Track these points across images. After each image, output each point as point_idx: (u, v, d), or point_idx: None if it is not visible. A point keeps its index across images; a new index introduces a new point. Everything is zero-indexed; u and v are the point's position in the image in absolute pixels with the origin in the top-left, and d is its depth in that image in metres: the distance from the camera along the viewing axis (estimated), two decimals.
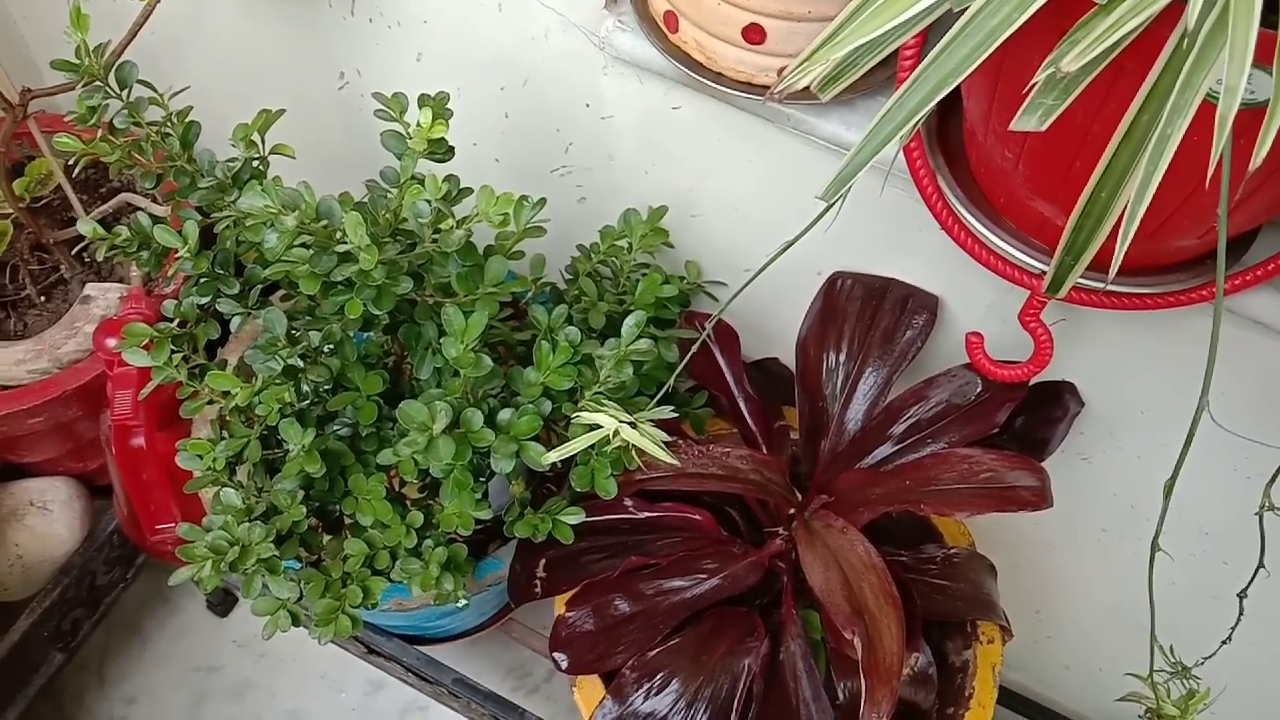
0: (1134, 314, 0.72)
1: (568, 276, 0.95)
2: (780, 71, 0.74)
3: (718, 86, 0.75)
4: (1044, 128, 0.48)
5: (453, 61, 0.94)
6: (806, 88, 0.54)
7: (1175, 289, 0.68)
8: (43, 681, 1.20)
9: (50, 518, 1.18)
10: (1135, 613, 1.07)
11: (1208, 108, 0.44)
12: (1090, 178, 0.53)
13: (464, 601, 0.85)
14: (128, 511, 1.09)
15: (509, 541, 0.90)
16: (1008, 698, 1.21)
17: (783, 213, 0.87)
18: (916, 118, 0.49)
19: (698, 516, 0.87)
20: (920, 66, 0.49)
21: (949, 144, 0.73)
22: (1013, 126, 0.48)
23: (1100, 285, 0.66)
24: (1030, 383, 0.82)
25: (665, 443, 0.70)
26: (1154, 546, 0.60)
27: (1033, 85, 0.47)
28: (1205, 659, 0.78)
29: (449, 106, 0.77)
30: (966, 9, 0.48)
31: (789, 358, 1.00)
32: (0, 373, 1.05)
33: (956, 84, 0.48)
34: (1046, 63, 0.45)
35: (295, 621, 0.80)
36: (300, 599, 0.80)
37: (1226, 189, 0.48)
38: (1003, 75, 0.59)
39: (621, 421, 0.68)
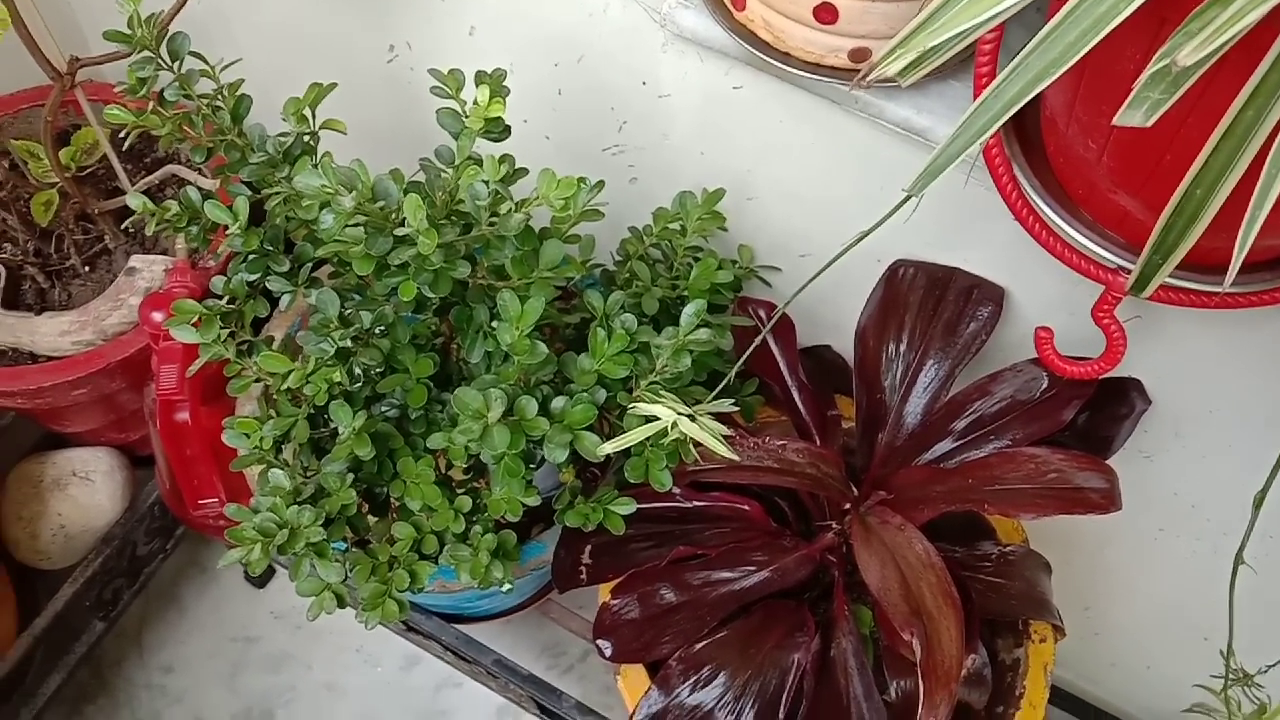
0: (1210, 312, 0.69)
1: (618, 258, 0.93)
2: (850, 53, 0.71)
3: (784, 67, 0.73)
4: (1150, 123, 0.45)
5: (506, 36, 0.92)
6: None
7: (1261, 288, 0.65)
8: (84, 649, 1.21)
9: (92, 488, 1.19)
10: (1188, 614, 1.05)
11: None
12: (1184, 173, 0.50)
13: (509, 586, 0.84)
14: (170, 485, 1.08)
15: (552, 525, 0.89)
16: (1051, 693, 1.19)
17: (845, 198, 0.85)
18: (1013, 110, 0.47)
19: (747, 507, 0.85)
20: (1020, 55, 0.46)
21: (1024, 131, 0.70)
22: (1116, 121, 0.46)
23: (1187, 285, 0.63)
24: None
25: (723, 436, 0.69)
26: (1238, 559, 0.57)
27: (1140, 79, 0.45)
28: (1269, 667, 0.76)
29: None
30: None
31: (841, 345, 0.98)
32: (45, 343, 1.05)
33: (1059, 74, 0.46)
34: (1159, 55, 0.43)
35: (341, 604, 0.79)
36: (345, 580, 0.80)
37: None
38: (1089, 64, 0.56)
39: (680, 414, 0.67)
